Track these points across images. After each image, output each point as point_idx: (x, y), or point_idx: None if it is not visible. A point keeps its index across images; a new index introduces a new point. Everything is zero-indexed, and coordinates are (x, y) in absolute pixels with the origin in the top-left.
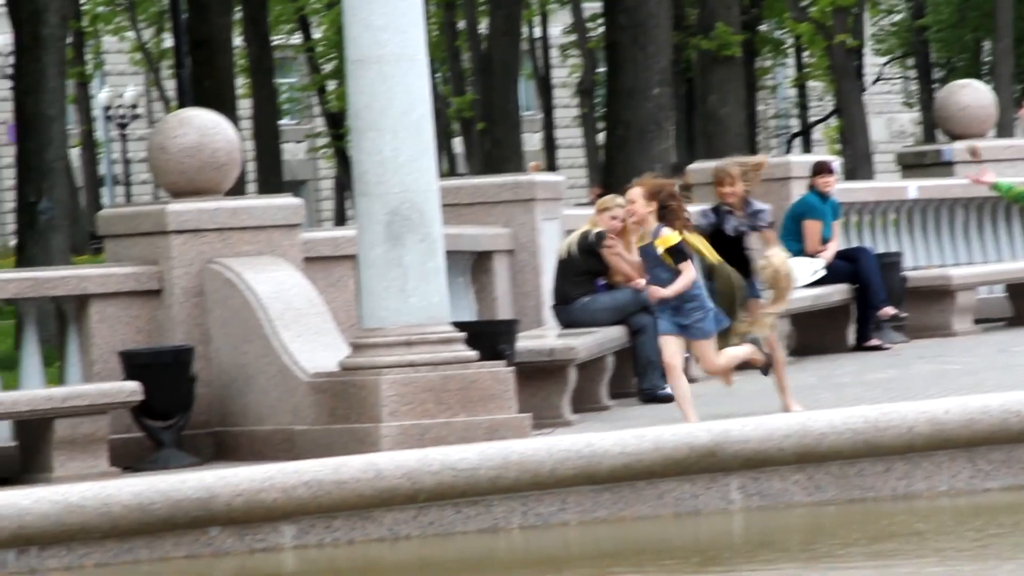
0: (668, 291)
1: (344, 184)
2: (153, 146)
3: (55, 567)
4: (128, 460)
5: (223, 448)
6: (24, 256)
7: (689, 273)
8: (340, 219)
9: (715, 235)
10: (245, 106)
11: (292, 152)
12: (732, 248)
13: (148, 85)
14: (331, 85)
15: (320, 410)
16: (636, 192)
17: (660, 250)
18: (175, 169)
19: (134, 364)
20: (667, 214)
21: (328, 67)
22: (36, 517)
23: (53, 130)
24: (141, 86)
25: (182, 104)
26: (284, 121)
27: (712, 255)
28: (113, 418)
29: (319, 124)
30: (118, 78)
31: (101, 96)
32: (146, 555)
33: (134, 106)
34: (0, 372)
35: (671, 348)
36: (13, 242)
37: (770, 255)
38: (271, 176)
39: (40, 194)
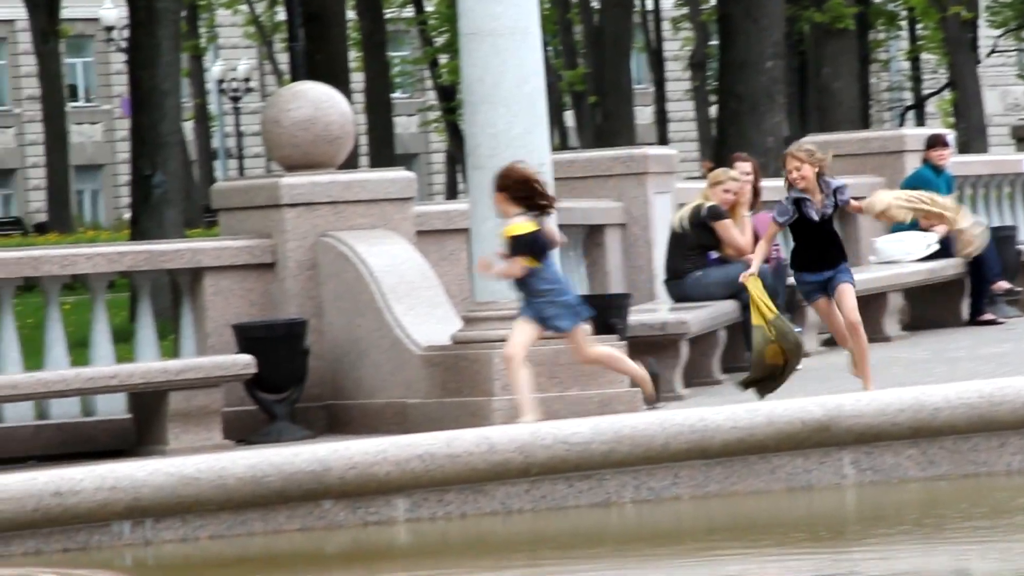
0: (499, 268)
1: (455, 157)
2: (267, 119)
3: (170, 539)
4: (241, 433)
5: (336, 421)
6: (138, 229)
7: (516, 266)
8: (452, 192)
9: (801, 225)
10: (357, 79)
11: (404, 125)
12: (821, 233)
13: (261, 58)
14: (443, 58)
15: (432, 383)
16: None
17: (508, 235)
18: (289, 142)
19: (248, 337)
20: (531, 204)
21: (440, 40)
22: (151, 489)
23: (167, 104)
24: (254, 59)
25: (295, 77)
26: (396, 94)
27: (769, 310)
28: (226, 391)
29: (431, 97)
30: (231, 51)
31: (214, 70)
32: (260, 527)
33: (247, 79)
34: (115, 345)
35: (519, 334)
36: (128, 215)
37: (870, 205)
38: (383, 149)
39: (154, 168)
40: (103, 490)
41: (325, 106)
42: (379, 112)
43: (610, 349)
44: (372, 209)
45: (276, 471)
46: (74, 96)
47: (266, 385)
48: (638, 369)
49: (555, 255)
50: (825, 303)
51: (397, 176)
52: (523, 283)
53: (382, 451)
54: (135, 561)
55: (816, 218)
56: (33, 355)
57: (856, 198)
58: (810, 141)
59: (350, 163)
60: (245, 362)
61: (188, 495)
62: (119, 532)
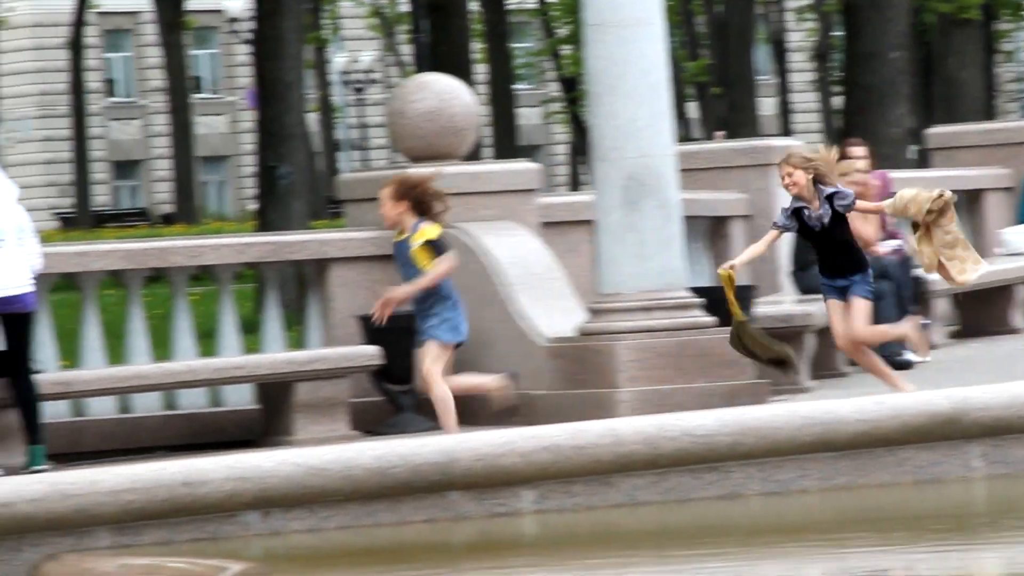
0: (411, 286)
1: (578, 149)
2: (391, 111)
3: (297, 529)
4: (367, 424)
5: (461, 412)
6: (264, 221)
7: (442, 265)
8: (574, 184)
9: (808, 233)
10: (480, 71)
11: (526, 117)
12: (825, 241)
13: (384, 50)
14: (566, 49)
15: (558, 375)
16: (384, 193)
17: (416, 244)
18: (413, 134)
19: (373, 329)
20: (425, 209)
21: (563, 31)
22: (279, 480)
23: (292, 96)
24: (377, 51)
25: (419, 69)
26: (519, 86)
27: (737, 312)
28: (352, 382)
29: (553, 89)
30: (355, 43)
31: (338, 61)
32: (386, 518)
33: (370, 71)
34: (242, 335)
35: (427, 354)
36: (252, 206)
37: (889, 204)
38: (506, 141)
39: (280, 159)
40: (231, 480)
41: (449, 97)
42: (502, 103)
43: (469, 383)
44: (497, 201)
45: (403, 462)
46: (199, 88)
47: (392, 376)
48: (491, 381)
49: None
50: (835, 305)
51: (522, 168)
52: (423, 297)
53: (508, 442)
54: (263, 551)
55: (813, 226)
56: (161, 346)
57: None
58: (804, 147)
59: (473, 155)
60: (371, 353)
61: (315, 486)
62: (247, 522)
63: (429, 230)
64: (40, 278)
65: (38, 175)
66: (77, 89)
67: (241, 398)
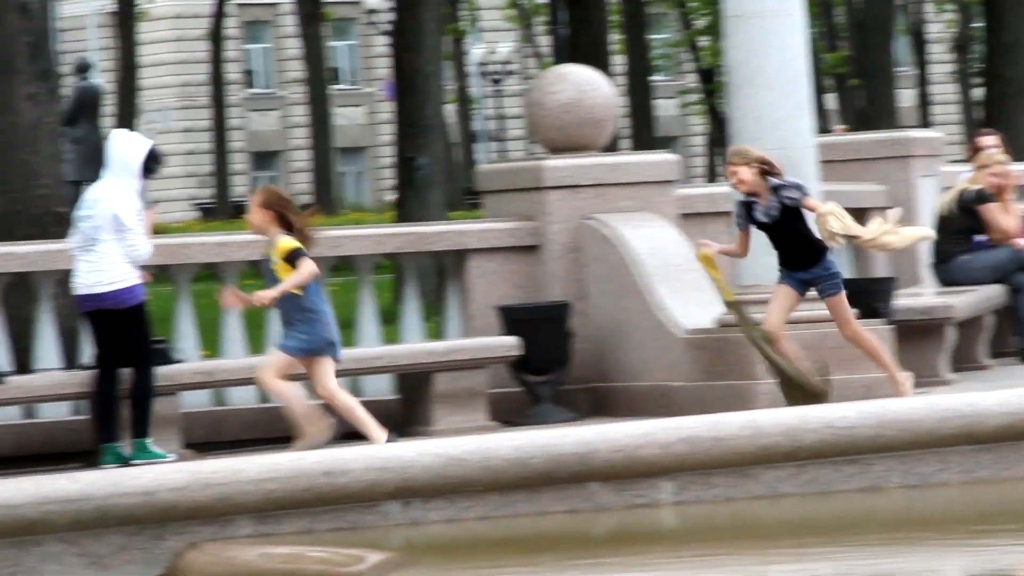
0: (271, 291)
1: (716, 140)
2: (530, 102)
3: (436, 519)
4: (504, 414)
5: (599, 403)
6: (403, 212)
7: (303, 270)
8: (712, 175)
9: (759, 227)
10: (618, 62)
11: (663, 108)
12: (778, 234)
13: (521, 41)
14: (703, 41)
15: (696, 367)
16: (253, 201)
17: (275, 259)
18: (553, 125)
19: (512, 319)
20: (286, 223)
21: (700, 22)
22: (419, 470)
23: (430, 87)
24: (515, 42)
25: (557, 60)
26: (656, 77)
27: (727, 293)
28: (489, 372)
29: (691, 80)
30: (492, 34)
31: (475, 52)
32: (525, 509)
33: (508, 62)
34: (381, 326)
35: (275, 365)
36: (389, 197)
37: (817, 216)
38: (642, 132)
39: (418, 150)
40: (372, 470)
41: (588, 88)
42: (639, 95)
43: (347, 400)
44: (635, 192)
45: (542, 453)
46: (337, 79)
47: (530, 367)
48: (371, 426)
49: (319, 283)
50: (783, 290)
51: (661, 159)
52: (284, 307)
53: (648, 434)
54: (404, 541)
55: (763, 219)
56: None
57: None
58: (745, 146)
59: (611, 146)
60: (510, 344)
61: (455, 476)
62: (387, 512)
63: (284, 243)
64: (181, 268)
65: (178, 166)
66: (217, 80)
67: (379, 388)
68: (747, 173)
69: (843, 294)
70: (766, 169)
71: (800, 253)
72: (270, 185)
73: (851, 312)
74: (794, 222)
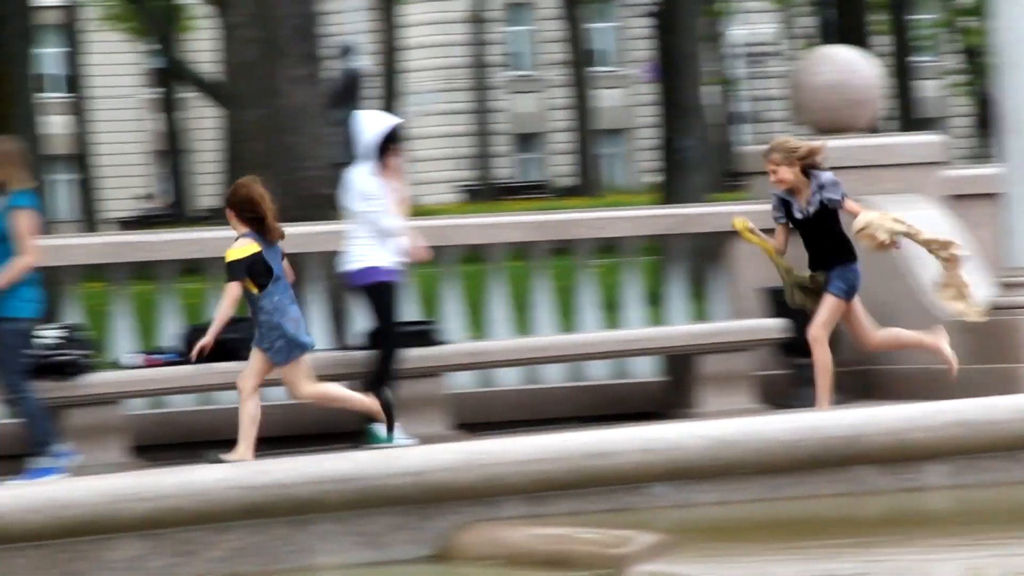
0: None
1: (982, 121)
2: (795, 83)
3: (704, 501)
4: (769, 397)
5: (867, 386)
6: (667, 194)
7: (230, 293)
8: (977, 157)
9: (794, 222)
10: (880, 43)
11: (926, 89)
12: (812, 232)
13: (783, 23)
14: (968, 21)
15: (963, 350)
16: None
17: (226, 260)
18: (818, 106)
19: (779, 301)
20: (259, 226)
21: (965, 1)
22: (687, 452)
23: (691, 68)
24: (776, 24)
25: (822, 41)
26: (918, 57)
27: (766, 245)
28: (754, 354)
29: (954, 60)
30: (753, 16)
31: (737, 34)
32: (792, 492)
33: (770, 43)
34: (646, 308)
35: (250, 364)
36: (648, 179)
37: (857, 223)
38: (904, 113)
39: (679, 132)
40: (638, 452)
41: (852, 69)
42: (902, 75)
43: (327, 387)
44: (900, 173)
45: (813, 435)
46: (598, 61)
47: (797, 349)
48: (364, 400)
49: (283, 284)
50: (829, 299)
51: (927, 140)
52: (252, 310)
53: (917, 417)
54: (671, 523)
55: (798, 216)
56: (566, 317)
57: None
58: (786, 139)
59: (873, 127)
60: (777, 326)
61: (724, 458)
62: (654, 493)
63: (239, 250)
64: (447, 249)
65: (439, 148)
66: (478, 63)
67: (644, 370)
68: (787, 173)
69: (843, 302)
70: (810, 163)
71: (827, 252)
72: (240, 181)
73: (831, 321)
74: (829, 221)
